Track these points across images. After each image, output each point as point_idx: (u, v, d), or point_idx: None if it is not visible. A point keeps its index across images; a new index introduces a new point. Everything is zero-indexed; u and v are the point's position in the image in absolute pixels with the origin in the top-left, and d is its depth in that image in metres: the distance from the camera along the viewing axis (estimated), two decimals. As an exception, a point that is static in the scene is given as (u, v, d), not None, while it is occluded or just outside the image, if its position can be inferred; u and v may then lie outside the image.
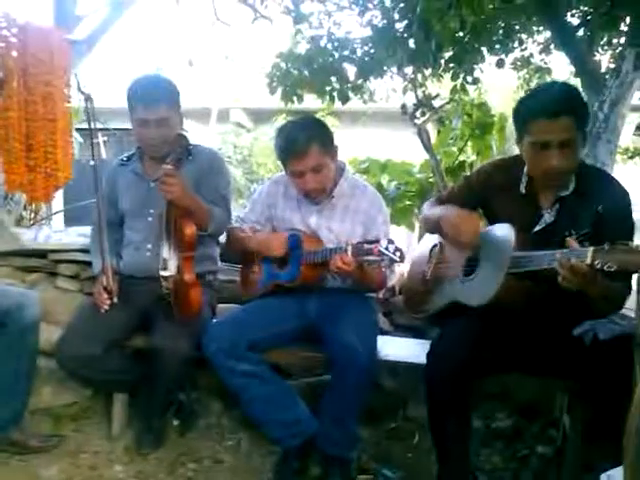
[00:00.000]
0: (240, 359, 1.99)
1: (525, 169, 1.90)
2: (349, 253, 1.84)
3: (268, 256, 2.19)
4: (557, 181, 1.82)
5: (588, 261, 1.49)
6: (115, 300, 2.16)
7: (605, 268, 1.47)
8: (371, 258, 1.79)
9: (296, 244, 2.13)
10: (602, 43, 4.79)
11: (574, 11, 4.42)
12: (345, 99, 5.05)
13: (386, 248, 1.75)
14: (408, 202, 4.75)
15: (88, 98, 2.16)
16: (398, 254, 1.75)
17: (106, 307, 2.15)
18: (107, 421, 2.37)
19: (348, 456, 2.06)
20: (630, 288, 1.76)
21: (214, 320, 2.27)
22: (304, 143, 2.03)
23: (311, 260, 2.06)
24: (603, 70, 4.28)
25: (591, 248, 1.51)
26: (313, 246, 2.10)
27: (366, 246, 1.80)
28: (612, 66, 4.28)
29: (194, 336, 2.06)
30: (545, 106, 1.72)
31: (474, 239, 1.88)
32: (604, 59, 4.91)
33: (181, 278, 2.07)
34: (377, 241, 1.78)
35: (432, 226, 2.14)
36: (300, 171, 2.07)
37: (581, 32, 4.29)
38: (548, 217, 1.85)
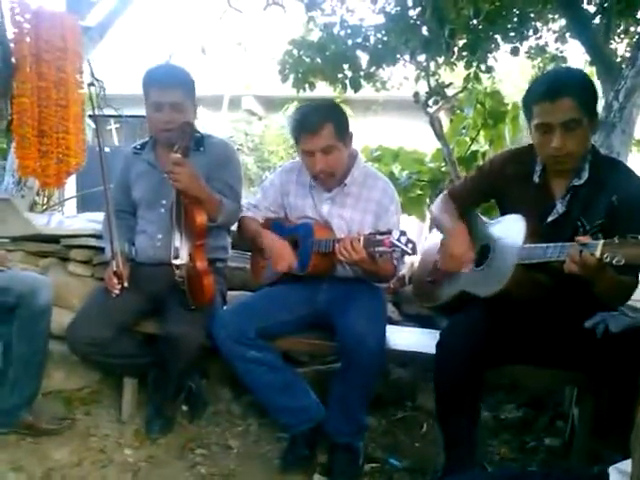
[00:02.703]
0: (249, 346, 2.00)
1: (539, 158, 1.88)
2: (360, 242, 1.83)
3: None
4: (564, 165, 1.79)
5: (597, 254, 1.48)
6: (126, 285, 2.17)
7: (614, 262, 1.45)
8: (382, 249, 1.78)
9: (307, 233, 2.13)
10: (619, 31, 4.73)
11: (590, -2, 4.37)
12: (357, 87, 5.03)
13: (398, 239, 1.73)
14: (420, 191, 4.73)
15: (92, 84, 2.18)
16: (410, 246, 1.74)
17: (116, 292, 2.16)
18: (117, 405, 2.39)
19: (355, 444, 2.06)
20: (638, 281, 1.75)
21: (224, 307, 2.28)
22: (317, 121, 2.03)
23: (321, 249, 2.05)
24: (619, 59, 4.22)
25: (601, 241, 1.49)
26: (324, 235, 2.09)
27: (378, 237, 1.79)
28: (628, 55, 4.22)
29: (207, 323, 2.07)
30: (545, 88, 1.72)
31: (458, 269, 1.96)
32: (620, 47, 4.84)
33: (193, 266, 2.07)
34: (389, 232, 1.76)
35: (440, 230, 2.14)
36: (310, 150, 2.06)
37: (597, 20, 4.24)
38: (560, 207, 1.83)
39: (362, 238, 1.83)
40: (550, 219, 1.83)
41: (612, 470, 1.23)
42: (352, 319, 1.98)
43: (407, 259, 2.57)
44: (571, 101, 1.68)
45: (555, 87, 1.70)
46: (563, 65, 5.25)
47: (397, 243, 1.73)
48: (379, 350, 1.95)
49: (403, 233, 1.74)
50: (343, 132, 2.08)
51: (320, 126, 2.02)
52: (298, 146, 2.13)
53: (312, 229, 2.12)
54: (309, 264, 2.10)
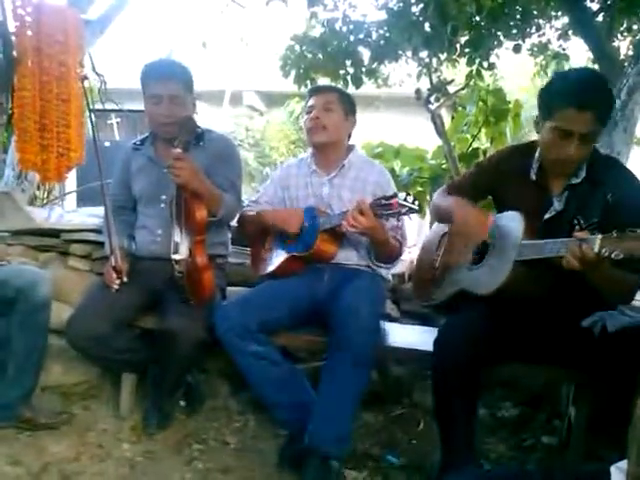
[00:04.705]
0: (250, 340, 2.00)
1: (536, 155, 1.88)
2: (368, 206, 1.89)
3: (282, 231, 2.24)
4: (568, 169, 1.81)
5: (596, 249, 1.48)
6: (125, 279, 2.17)
7: (613, 256, 1.45)
8: (390, 211, 1.84)
9: (311, 214, 2.19)
10: (621, 29, 4.71)
11: (593, -4, 4.34)
12: (359, 83, 5.02)
13: (405, 199, 1.81)
14: (420, 188, 4.72)
15: (86, 77, 2.20)
16: (416, 203, 1.82)
17: (115, 286, 2.16)
18: (115, 400, 2.39)
19: (332, 458, 1.88)
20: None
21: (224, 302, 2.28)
22: (327, 86, 2.62)
23: (327, 226, 2.09)
24: (621, 57, 4.21)
25: (600, 235, 1.49)
26: (328, 215, 2.16)
27: (384, 201, 1.86)
28: (631, 53, 4.21)
29: (206, 319, 2.07)
30: (577, 96, 1.68)
31: (482, 238, 1.91)
32: (623, 45, 4.83)
33: (193, 261, 2.07)
34: (395, 195, 1.84)
35: (442, 216, 2.13)
36: (313, 105, 2.28)
37: (600, 17, 4.22)
38: (558, 205, 1.83)
39: (369, 203, 1.90)
40: (547, 216, 1.84)
41: (614, 469, 1.23)
42: (347, 297, 2.00)
43: (406, 256, 2.58)
44: (595, 114, 1.68)
45: (585, 98, 1.68)
46: (565, 65, 5.24)
47: (404, 203, 1.80)
48: (371, 327, 1.93)
49: (408, 194, 1.83)
50: (345, 102, 2.30)
51: (329, 89, 2.40)
52: (306, 105, 2.33)
53: (316, 210, 2.19)
54: (315, 243, 2.12)
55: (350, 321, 1.89)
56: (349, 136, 2.38)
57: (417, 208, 1.81)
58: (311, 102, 2.29)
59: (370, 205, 1.89)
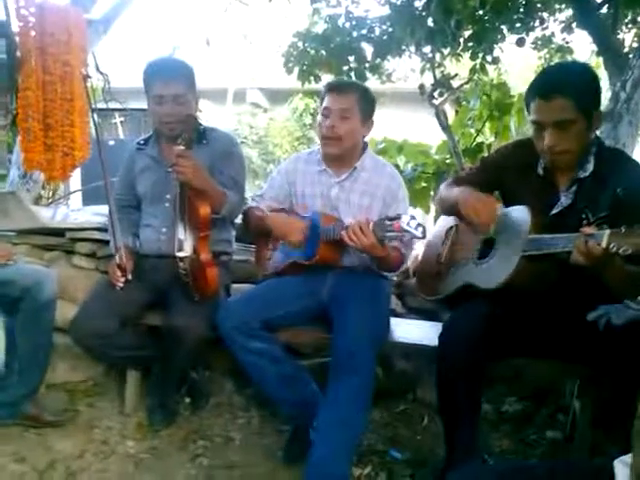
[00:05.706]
0: (253, 337, 2.00)
1: None
2: (370, 227, 1.85)
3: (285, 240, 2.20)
4: (559, 162, 1.79)
5: (604, 244, 1.47)
6: (129, 277, 2.18)
7: (621, 252, 1.45)
8: (392, 234, 1.81)
9: (314, 222, 2.14)
10: (626, 21, 4.67)
11: (597, -12, 4.31)
12: (362, 79, 5.00)
13: (408, 224, 1.76)
14: (424, 184, 4.70)
15: (89, 76, 2.21)
16: (420, 229, 1.77)
17: (120, 284, 2.17)
18: (120, 397, 2.41)
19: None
20: None
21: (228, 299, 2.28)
22: (347, 85, 2.26)
23: (330, 236, 2.05)
24: (626, 49, 4.18)
25: (607, 231, 1.48)
26: (331, 224, 2.10)
27: (387, 222, 1.81)
28: (636, 45, 4.18)
29: (210, 315, 2.07)
30: (539, 86, 1.72)
31: (491, 222, 1.87)
32: (628, 37, 4.79)
33: (197, 258, 2.08)
34: (399, 217, 1.79)
35: (448, 207, 2.12)
36: (329, 107, 2.14)
37: (604, 10, 4.19)
38: (565, 200, 1.82)
39: (372, 223, 1.85)
40: (555, 211, 1.82)
41: (617, 463, 1.23)
42: (348, 327, 1.95)
43: (412, 252, 2.57)
44: (565, 101, 1.67)
45: (550, 86, 1.69)
46: (568, 58, 5.21)
47: (407, 228, 1.75)
48: (373, 352, 1.91)
49: (413, 217, 1.77)
50: (364, 107, 2.16)
51: (347, 88, 2.18)
52: (322, 104, 2.20)
53: (319, 218, 2.13)
54: (316, 253, 2.10)
55: (351, 361, 1.87)
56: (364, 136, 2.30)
57: (421, 235, 1.76)
58: (328, 103, 2.15)
59: (373, 224, 1.85)
